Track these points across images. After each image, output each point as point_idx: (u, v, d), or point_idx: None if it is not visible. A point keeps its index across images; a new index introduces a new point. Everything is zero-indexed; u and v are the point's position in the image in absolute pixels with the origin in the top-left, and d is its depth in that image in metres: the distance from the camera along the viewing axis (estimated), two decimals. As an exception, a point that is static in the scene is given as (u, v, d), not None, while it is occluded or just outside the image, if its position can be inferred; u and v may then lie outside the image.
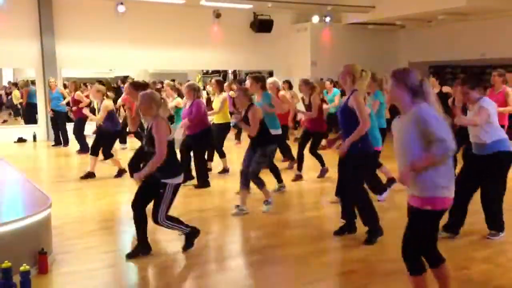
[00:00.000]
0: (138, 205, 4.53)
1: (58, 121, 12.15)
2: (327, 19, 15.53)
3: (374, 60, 14.95)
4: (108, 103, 8.11)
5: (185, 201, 6.58)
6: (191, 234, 4.64)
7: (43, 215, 4.25)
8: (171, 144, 4.44)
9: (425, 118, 2.95)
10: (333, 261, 4.48)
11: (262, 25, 15.38)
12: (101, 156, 8.32)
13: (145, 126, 4.59)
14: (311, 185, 7.59)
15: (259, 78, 7.09)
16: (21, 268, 3.64)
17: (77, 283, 3.99)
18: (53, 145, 12.32)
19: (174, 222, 4.52)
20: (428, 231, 3.12)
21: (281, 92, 8.59)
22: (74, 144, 11.95)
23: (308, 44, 15.93)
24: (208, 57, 15.29)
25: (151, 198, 4.51)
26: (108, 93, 9.40)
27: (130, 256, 4.50)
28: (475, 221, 5.37)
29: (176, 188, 4.44)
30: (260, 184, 5.86)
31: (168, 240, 5.00)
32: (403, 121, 3.11)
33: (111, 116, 8.07)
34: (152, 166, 4.31)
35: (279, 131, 7.30)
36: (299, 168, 7.73)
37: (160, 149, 4.27)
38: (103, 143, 8.23)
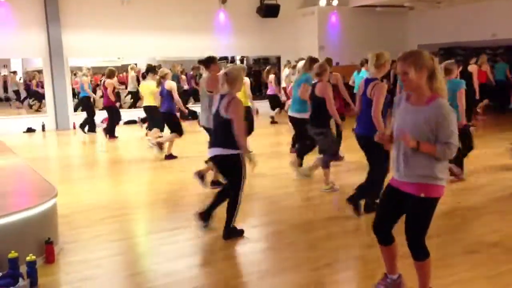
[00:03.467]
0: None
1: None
2: (334, 2, 15.32)
3: (383, 42, 14.72)
4: (172, 84, 8.51)
5: (193, 188, 6.58)
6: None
7: (49, 205, 4.25)
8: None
9: (447, 116, 2.86)
10: (342, 246, 4.44)
11: (268, 10, 15.22)
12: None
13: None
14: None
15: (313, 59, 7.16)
16: (27, 258, 3.65)
17: (84, 272, 4.00)
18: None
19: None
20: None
21: None
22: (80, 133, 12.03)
23: (315, 28, 15.75)
24: (215, 43, 15.18)
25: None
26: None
27: None
28: (485, 205, 5.31)
29: None
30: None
31: (175, 228, 5.00)
32: (419, 112, 2.92)
33: (171, 96, 8.41)
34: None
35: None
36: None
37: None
38: (169, 124, 8.67)
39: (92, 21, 13.22)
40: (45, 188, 4.64)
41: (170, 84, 8.53)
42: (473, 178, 6.61)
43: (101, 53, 14.50)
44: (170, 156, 8.65)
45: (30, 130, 13.18)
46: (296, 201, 5.90)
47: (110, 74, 11.11)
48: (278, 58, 16.59)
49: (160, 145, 8.72)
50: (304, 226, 5.04)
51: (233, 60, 19.61)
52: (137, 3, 13.57)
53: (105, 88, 11.14)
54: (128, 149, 10.64)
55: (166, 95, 8.51)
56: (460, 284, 3.56)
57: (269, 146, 9.58)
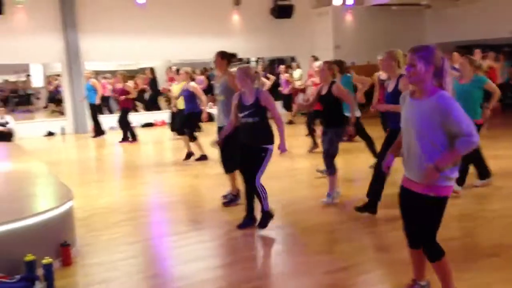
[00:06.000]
0: (250, 177, 4.84)
1: (90, 112, 12.63)
2: (349, 1, 15.22)
3: (399, 42, 14.54)
4: (194, 85, 8.51)
5: (206, 191, 6.59)
6: (268, 214, 4.90)
7: (65, 208, 4.30)
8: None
9: (449, 108, 2.81)
10: (356, 249, 4.39)
11: (282, 11, 15.22)
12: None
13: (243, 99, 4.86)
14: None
15: (336, 62, 7.16)
16: (44, 261, 3.69)
17: (100, 275, 4.03)
18: (93, 137, 12.59)
19: (264, 192, 4.85)
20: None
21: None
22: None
23: (330, 28, 15.68)
24: (230, 45, 15.00)
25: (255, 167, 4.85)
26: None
27: (240, 226, 4.96)
28: (505, 208, 5.20)
29: (270, 154, 4.80)
30: (332, 172, 5.71)
31: (189, 231, 5.01)
32: (422, 105, 2.91)
33: (194, 97, 8.48)
34: (284, 131, 4.81)
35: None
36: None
37: (276, 114, 4.77)
38: (187, 125, 8.67)
39: (108, 25, 13.35)
40: (61, 191, 4.70)
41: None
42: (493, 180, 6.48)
43: (118, 57, 14.64)
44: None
45: (50, 133, 13.38)
46: (311, 203, 5.84)
47: (124, 79, 11.56)
48: (293, 59, 16.56)
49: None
50: (319, 228, 5.00)
51: (248, 62, 19.64)
52: (152, 7, 13.65)
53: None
54: (145, 152, 10.72)
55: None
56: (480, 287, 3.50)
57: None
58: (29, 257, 3.67)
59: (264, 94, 4.82)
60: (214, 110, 8.24)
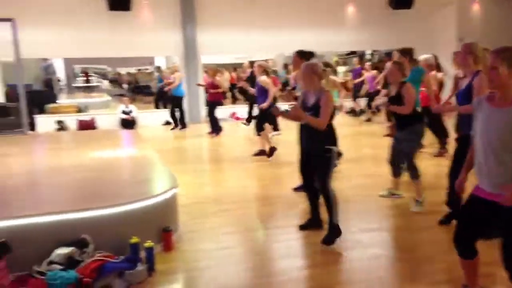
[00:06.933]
0: (309, 183, 4.70)
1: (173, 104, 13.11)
2: (477, -10, 14.03)
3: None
4: (265, 79, 8.29)
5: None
6: (336, 230, 4.50)
7: (170, 195, 4.51)
8: (332, 115, 4.49)
9: None
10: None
11: (401, 1, 14.47)
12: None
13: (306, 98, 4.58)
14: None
15: (406, 51, 6.65)
16: (145, 244, 3.91)
17: (199, 262, 4.15)
18: (171, 129, 13.08)
19: (333, 199, 4.47)
20: None
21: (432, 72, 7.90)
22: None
23: (453, 19, 14.58)
24: (344, 38, 14.87)
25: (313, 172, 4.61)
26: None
27: (302, 228, 4.83)
28: None
29: (334, 156, 4.47)
30: (415, 175, 5.39)
31: (286, 226, 4.98)
32: (508, 114, 2.63)
33: (265, 92, 8.26)
34: (313, 122, 4.32)
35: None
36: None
37: (325, 119, 4.33)
38: (258, 119, 8.57)
39: (224, 19, 13.76)
40: (168, 179, 4.94)
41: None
42: None
43: (232, 50, 15.07)
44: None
45: (168, 123, 14.22)
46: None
47: (213, 73, 11.80)
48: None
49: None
50: (424, 235, 4.67)
51: (362, 54, 19.07)
52: (265, 0, 13.81)
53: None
54: (246, 144, 10.91)
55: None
56: None
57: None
58: (134, 240, 3.90)
59: (326, 95, 4.36)
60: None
